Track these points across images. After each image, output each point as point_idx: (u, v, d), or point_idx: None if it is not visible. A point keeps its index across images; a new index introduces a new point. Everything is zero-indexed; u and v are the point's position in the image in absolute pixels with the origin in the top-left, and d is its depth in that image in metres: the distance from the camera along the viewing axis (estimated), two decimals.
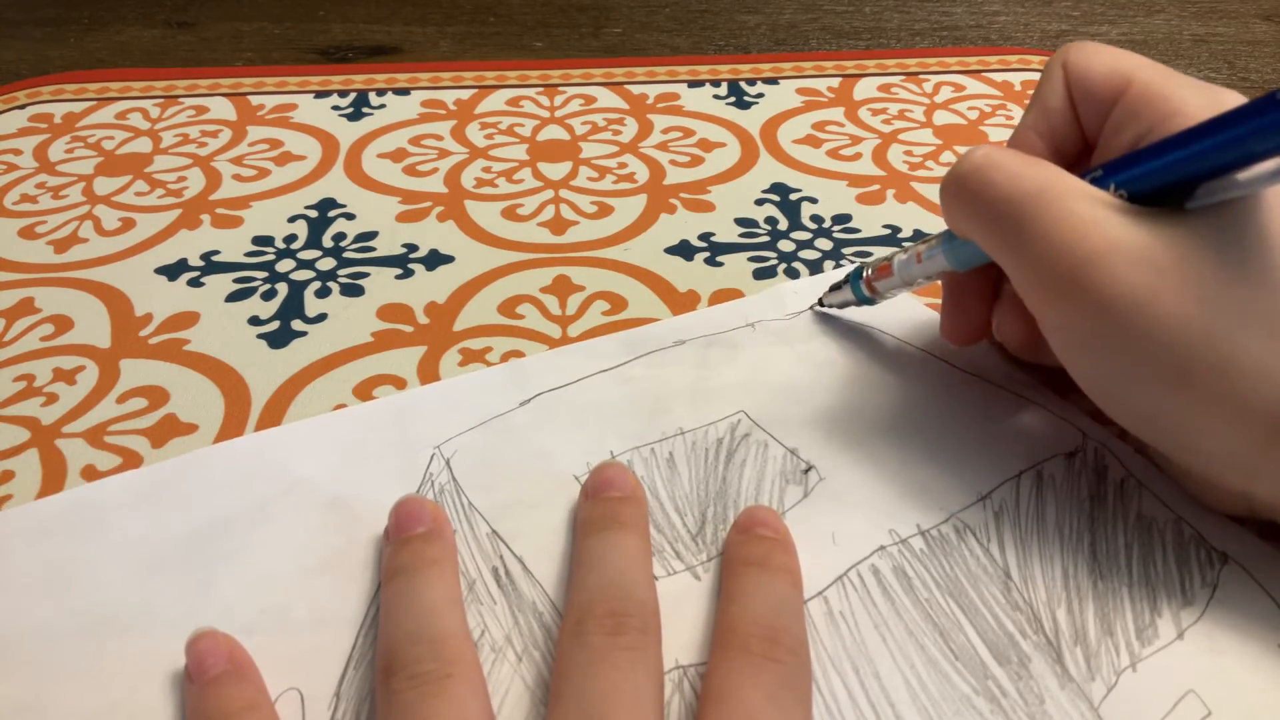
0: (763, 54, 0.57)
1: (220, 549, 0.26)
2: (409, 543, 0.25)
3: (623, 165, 0.46)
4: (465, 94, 0.52)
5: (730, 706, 0.21)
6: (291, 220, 0.42)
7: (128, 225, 0.41)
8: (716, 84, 0.53)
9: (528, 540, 0.26)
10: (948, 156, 0.46)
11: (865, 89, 0.53)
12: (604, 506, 0.26)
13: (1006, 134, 0.48)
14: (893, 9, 0.64)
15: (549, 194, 0.43)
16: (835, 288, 0.34)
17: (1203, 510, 0.27)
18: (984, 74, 0.55)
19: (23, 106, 0.50)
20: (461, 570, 0.25)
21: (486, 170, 0.45)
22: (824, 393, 0.31)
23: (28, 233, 0.41)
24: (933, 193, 0.43)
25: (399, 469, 0.28)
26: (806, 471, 0.28)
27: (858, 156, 0.46)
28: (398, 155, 0.47)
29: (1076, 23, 0.62)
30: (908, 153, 0.47)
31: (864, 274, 0.33)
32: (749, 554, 0.25)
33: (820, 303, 0.35)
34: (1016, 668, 0.23)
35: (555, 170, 0.45)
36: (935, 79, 0.54)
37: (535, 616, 0.24)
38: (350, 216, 0.42)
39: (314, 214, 0.42)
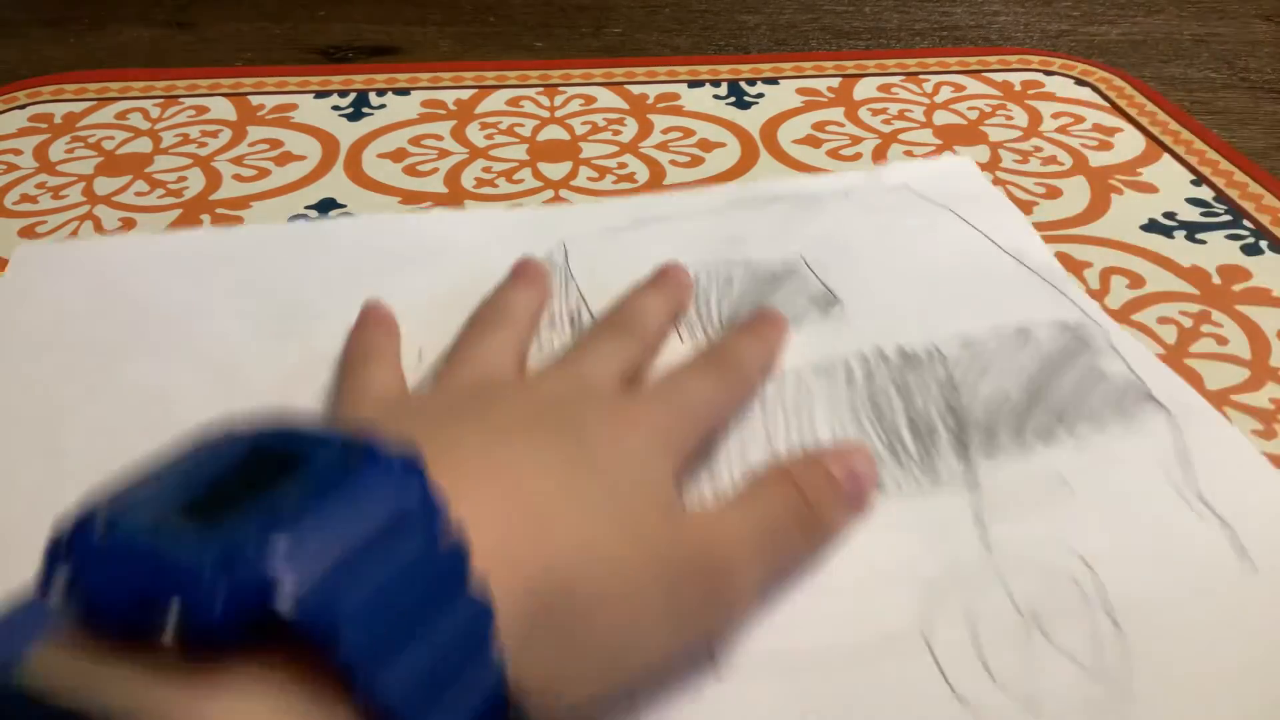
0: (763, 54, 0.57)
1: (375, 281, 0.35)
2: (517, 281, 0.35)
3: (623, 165, 0.46)
4: (465, 94, 0.52)
5: (669, 379, 0.29)
6: (292, 220, 0.42)
7: (128, 225, 0.41)
8: (716, 84, 0.53)
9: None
10: (947, 156, 0.46)
11: (865, 89, 0.53)
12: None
13: (1006, 134, 0.48)
14: (893, 9, 0.64)
15: (549, 194, 0.43)
16: None
17: (1163, 375, 0.31)
18: (984, 74, 0.54)
19: (23, 106, 0.50)
20: (549, 311, 0.34)
21: (486, 170, 0.45)
22: (880, 251, 0.37)
23: (28, 233, 0.41)
24: None
25: (529, 249, 0.36)
26: (828, 301, 0.34)
27: (858, 156, 0.46)
28: (398, 155, 0.47)
29: (1076, 22, 0.62)
30: (908, 153, 0.46)
31: None
32: (743, 323, 0.33)
33: None
34: (926, 438, 0.29)
35: (555, 170, 0.45)
36: (935, 79, 0.54)
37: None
38: (350, 216, 0.42)
39: (314, 214, 0.42)
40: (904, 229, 0.38)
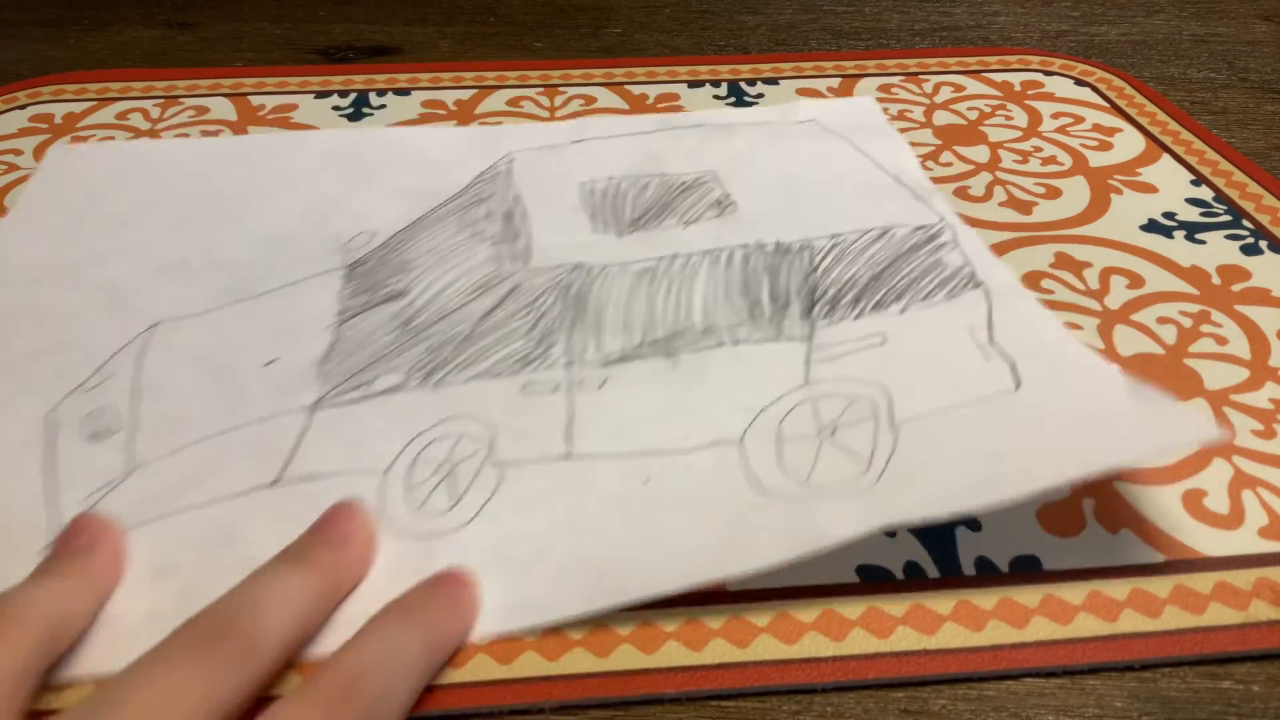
0: (763, 54, 0.57)
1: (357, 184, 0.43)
2: (39, 574, 0.25)
3: None
4: (465, 94, 0.52)
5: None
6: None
7: None
8: (716, 84, 0.53)
9: (535, 209, 0.38)
10: (947, 156, 0.46)
11: (865, 89, 0.53)
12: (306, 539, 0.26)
13: (1006, 134, 0.48)
14: (893, 9, 0.64)
15: None
16: None
17: (993, 266, 0.36)
18: (984, 74, 0.55)
19: (23, 106, 0.50)
20: (486, 210, 0.39)
21: None
22: (780, 169, 0.41)
23: None
24: None
25: (482, 161, 0.43)
26: (726, 205, 0.38)
27: None
28: None
29: (1076, 23, 0.62)
30: None
31: None
32: (423, 584, 0.25)
33: None
34: (781, 305, 0.34)
35: None
36: (935, 79, 0.54)
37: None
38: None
39: None
40: (803, 152, 0.43)
